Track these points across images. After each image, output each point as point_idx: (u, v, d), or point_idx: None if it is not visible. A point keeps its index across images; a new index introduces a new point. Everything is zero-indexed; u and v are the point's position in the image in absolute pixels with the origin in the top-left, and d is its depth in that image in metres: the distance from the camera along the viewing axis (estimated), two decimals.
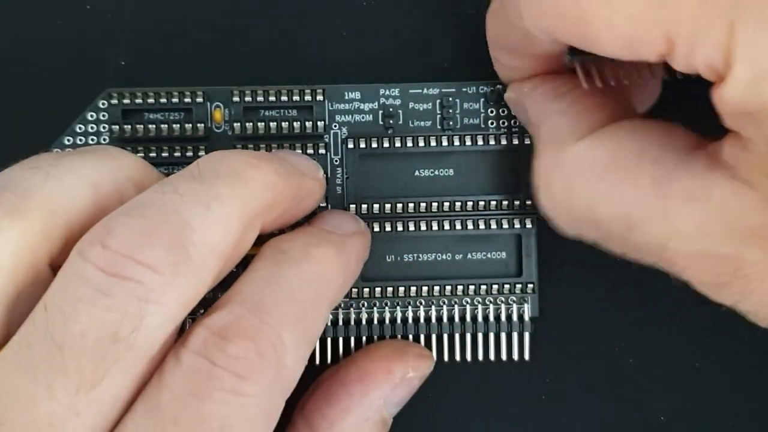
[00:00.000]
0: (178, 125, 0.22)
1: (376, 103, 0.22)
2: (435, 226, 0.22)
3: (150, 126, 0.22)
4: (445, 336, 0.22)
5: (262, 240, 0.19)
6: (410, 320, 0.22)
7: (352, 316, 0.22)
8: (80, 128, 0.22)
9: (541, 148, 0.19)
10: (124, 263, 0.15)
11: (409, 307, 0.22)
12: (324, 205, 0.22)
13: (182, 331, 0.17)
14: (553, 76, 0.19)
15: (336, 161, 0.22)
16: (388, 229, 0.22)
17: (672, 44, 0.15)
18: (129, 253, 0.15)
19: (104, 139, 0.22)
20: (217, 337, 0.16)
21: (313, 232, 0.20)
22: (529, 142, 0.22)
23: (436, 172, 0.22)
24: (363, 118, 0.22)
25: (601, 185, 0.17)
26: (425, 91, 0.22)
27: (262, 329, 0.16)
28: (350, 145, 0.22)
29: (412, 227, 0.22)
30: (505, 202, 0.22)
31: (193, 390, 0.15)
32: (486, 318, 0.22)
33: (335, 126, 0.22)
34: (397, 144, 0.22)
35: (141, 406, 0.16)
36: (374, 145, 0.22)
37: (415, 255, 0.22)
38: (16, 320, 0.16)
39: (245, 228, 0.17)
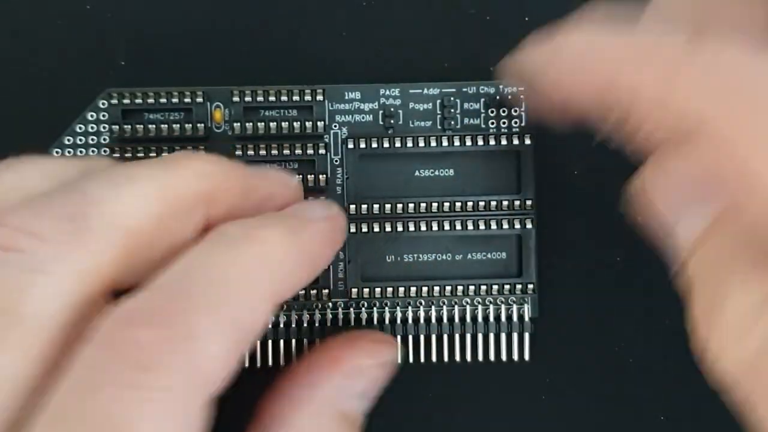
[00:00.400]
0: (178, 125, 0.22)
1: (376, 103, 0.22)
2: (435, 227, 0.22)
3: (150, 126, 0.22)
4: (445, 336, 0.22)
5: None
6: (410, 320, 0.22)
7: (352, 316, 0.22)
8: (80, 128, 0.22)
9: (727, 288, 0.13)
10: (15, 235, 0.14)
11: (409, 307, 0.22)
12: None
13: None
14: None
15: (336, 161, 0.22)
16: (388, 229, 0.22)
17: None
18: (22, 226, 0.14)
19: (104, 139, 0.22)
20: (121, 324, 0.14)
21: (267, 215, 0.18)
22: (529, 142, 0.22)
23: (436, 173, 0.22)
24: (363, 118, 0.22)
25: None
26: (425, 91, 0.22)
27: (175, 314, 0.14)
28: (350, 145, 0.22)
29: (412, 227, 0.22)
30: (505, 203, 0.22)
31: (87, 384, 0.14)
32: (486, 318, 0.22)
33: (335, 126, 0.22)
34: (397, 144, 0.22)
35: (39, 400, 0.14)
36: (374, 145, 0.22)
37: (415, 255, 0.22)
38: None
39: (168, 211, 0.16)
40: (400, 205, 0.22)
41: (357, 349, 0.19)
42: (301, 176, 0.22)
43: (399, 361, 0.21)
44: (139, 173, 0.16)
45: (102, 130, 0.22)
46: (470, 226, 0.22)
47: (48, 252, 0.14)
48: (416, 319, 0.22)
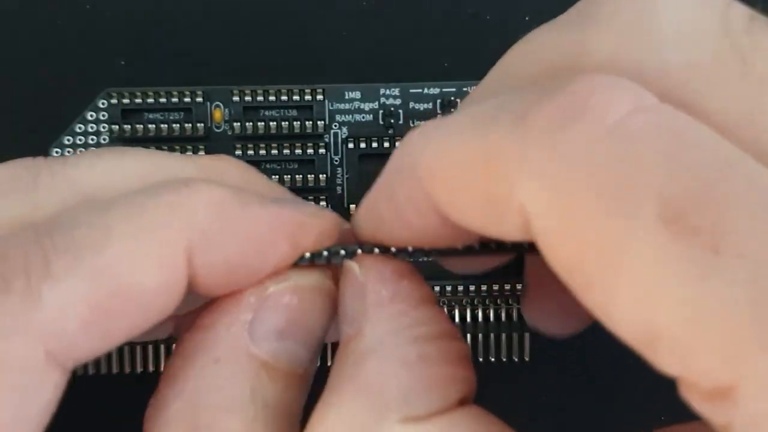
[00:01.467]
0: (178, 125, 0.22)
1: (377, 103, 0.22)
2: None
3: (150, 126, 0.22)
4: None
5: None
6: None
7: None
8: (80, 128, 0.22)
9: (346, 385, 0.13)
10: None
11: None
12: (324, 205, 0.22)
13: None
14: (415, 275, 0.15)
15: (336, 161, 0.22)
16: None
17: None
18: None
19: (104, 139, 0.22)
20: None
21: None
22: None
23: None
24: (363, 117, 0.22)
25: None
26: (425, 91, 0.22)
27: (21, 246, 0.12)
28: (350, 145, 0.22)
29: None
30: None
31: None
32: (486, 318, 0.22)
33: (335, 126, 0.22)
34: (398, 144, 0.22)
35: None
36: (374, 145, 0.22)
37: None
38: None
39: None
40: None
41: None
42: (301, 176, 0.22)
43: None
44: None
45: (102, 129, 0.22)
46: None
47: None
48: None
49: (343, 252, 0.15)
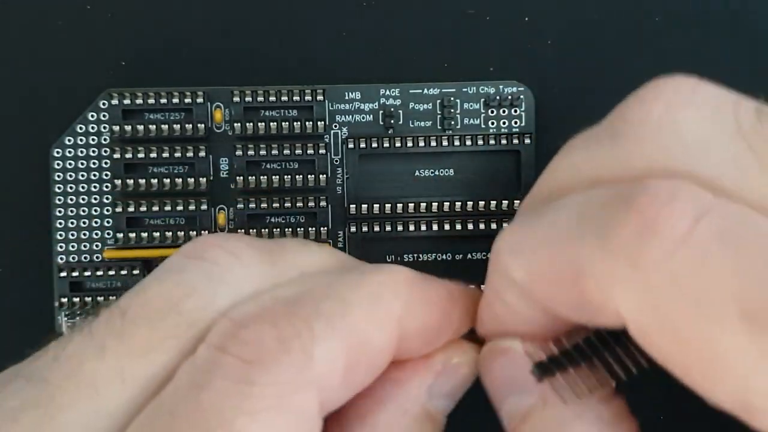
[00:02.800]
0: (179, 125, 0.22)
1: (377, 103, 0.22)
2: (435, 227, 0.22)
3: (150, 126, 0.22)
4: None
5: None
6: None
7: None
8: (80, 128, 0.22)
9: None
10: (203, 245, 0.16)
11: None
12: (324, 205, 0.22)
13: None
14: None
15: (336, 161, 0.22)
16: (388, 229, 0.22)
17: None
18: (212, 240, 0.16)
19: (105, 139, 0.22)
20: (236, 325, 0.14)
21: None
22: (529, 142, 0.22)
23: (437, 173, 0.22)
24: (363, 118, 0.22)
25: None
26: (425, 91, 0.22)
27: (287, 316, 0.14)
28: (350, 145, 0.22)
29: (412, 227, 0.22)
30: (505, 202, 0.22)
31: (195, 379, 0.14)
32: None
33: (335, 126, 0.22)
34: (398, 144, 0.22)
35: (152, 401, 0.14)
36: (374, 145, 0.22)
37: (415, 255, 0.22)
38: None
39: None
40: (400, 205, 0.22)
41: (446, 348, 0.18)
42: (301, 176, 0.22)
43: None
44: (350, 311, 0.15)
45: (102, 130, 0.22)
46: (470, 226, 0.22)
47: (230, 266, 0.15)
48: None
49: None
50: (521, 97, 0.22)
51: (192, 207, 0.22)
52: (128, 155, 0.22)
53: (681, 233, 0.12)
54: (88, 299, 0.22)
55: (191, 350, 0.14)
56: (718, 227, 0.12)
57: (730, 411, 0.12)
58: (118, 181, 0.22)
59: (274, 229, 0.22)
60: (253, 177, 0.22)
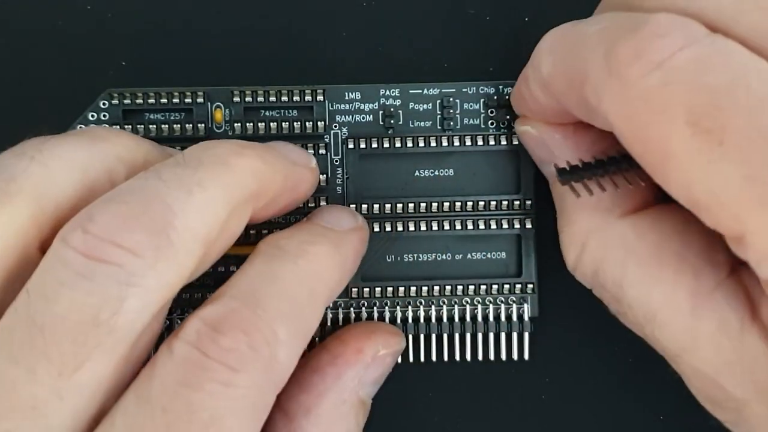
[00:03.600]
0: (179, 125, 0.22)
1: (377, 103, 0.22)
2: (435, 226, 0.22)
3: (151, 126, 0.22)
4: (445, 336, 0.22)
5: (258, 236, 0.20)
6: (410, 320, 0.22)
7: (352, 316, 0.22)
8: (81, 128, 0.22)
9: (577, 209, 0.20)
10: (105, 247, 0.15)
11: (409, 307, 0.22)
12: (324, 205, 0.22)
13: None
14: (590, 129, 0.19)
15: (336, 161, 0.22)
16: (388, 229, 0.22)
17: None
18: (110, 238, 0.15)
19: None
20: (210, 329, 0.16)
21: (310, 229, 0.19)
22: None
23: (437, 173, 0.22)
24: (363, 118, 0.22)
25: (637, 271, 0.18)
26: (425, 91, 0.22)
27: (255, 322, 0.16)
28: (350, 146, 0.22)
29: (412, 227, 0.22)
30: (504, 203, 0.22)
31: (184, 380, 0.15)
32: (486, 318, 0.22)
33: (335, 126, 0.22)
34: (398, 144, 0.22)
35: (132, 393, 0.16)
36: (374, 145, 0.22)
37: (415, 255, 0.22)
38: (5, 306, 0.16)
39: (230, 214, 0.17)
40: (400, 205, 0.22)
41: (375, 340, 0.21)
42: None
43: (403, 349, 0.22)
44: (207, 179, 0.17)
45: None
46: (470, 226, 0.22)
47: (138, 266, 0.15)
48: (416, 319, 0.22)
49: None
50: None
51: None
52: None
53: (660, 59, 0.15)
54: None
55: (127, 349, 0.16)
56: (694, 55, 0.15)
57: (686, 206, 0.16)
58: None
59: (274, 229, 0.22)
60: None
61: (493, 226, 0.22)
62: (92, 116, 0.22)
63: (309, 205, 0.22)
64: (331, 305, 0.22)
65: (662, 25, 0.16)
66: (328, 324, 0.22)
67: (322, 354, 0.20)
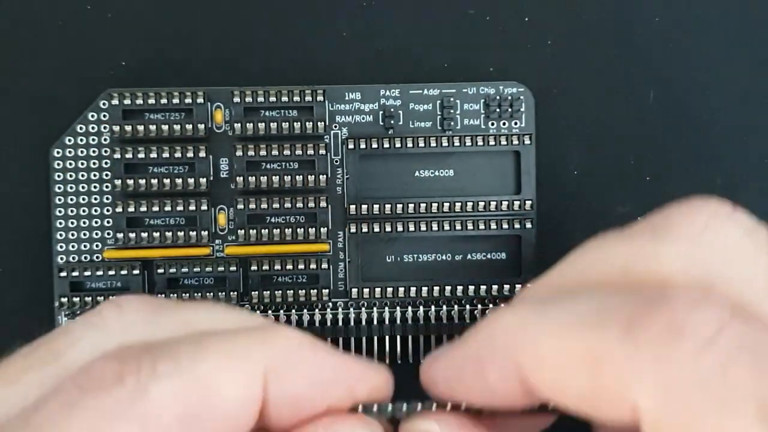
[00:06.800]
0: (179, 125, 0.22)
1: (377, 104, 0.22)
2: (435, 227, 0.22)
3: (151, 126, 0.22)
4: (445, 336, 0.22)
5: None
6: (410, 320, 0.22)
7: (352, 316, 0.22)
8: (81, 128, 0.22)
9: None
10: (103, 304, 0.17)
11: (409, 307, 0.22)
12: (324, 205, 0.22)
13: None
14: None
15: (336, 161, 0.22)
16: (388, 229, 0.22)
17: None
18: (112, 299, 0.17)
19: (105, 140, 0.22)
20: (91, 362, 0.15)
21: None
22: (529, 142, 0.22)
23: (437, 173, 0.22)
24: (363, 118, 0.22)
25: None
26: (425, 91, 0.22)
27: (140, 354, 0.15)
28: (350, 146, 0.22)
29: (412, 228, 0.22)
30: (505, 203, 0.22)
31: (35, 403, 0.15)
32: None
33: (335, 126, 0.22)
34: (398, 144, 0.22)
35: None
36: (374, 145, 0.22)
37: (415, 255, 0.22)
38: None
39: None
40: (400, 205, 0.22)
41: (330, 422, 0.16)
42: (301, 176, 0.22)
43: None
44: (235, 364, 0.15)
45: (103, 130, 0.22)
46: (470, 226, 0.22)
47: None
48: (416, 319, 0.22)
49: (418, 406, 0.16)
50: (521, 97, 0.22)
51: (192, 207, 0.22)
52: (128, 155, 0.22)
53: (708, 336, 0.13)
54: (88, 299, 0.22)
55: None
56: (739, 335, 0.13)
57: None
58: (118, 181, 0.22)
59: (274, 230, 0.22)
60: (253, 177, 0.22)
61: (493, 226, 0.22)
62: (92, 116, 0.22)
63: (309, 205, 0.22)
64: (331, 305, 0.22)
65: (693, 295, 0.14)
66: (328, 324, 0.22)
67: None
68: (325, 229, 0.22)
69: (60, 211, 0.22)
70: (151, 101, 0.22)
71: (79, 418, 0.14)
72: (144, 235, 0.22)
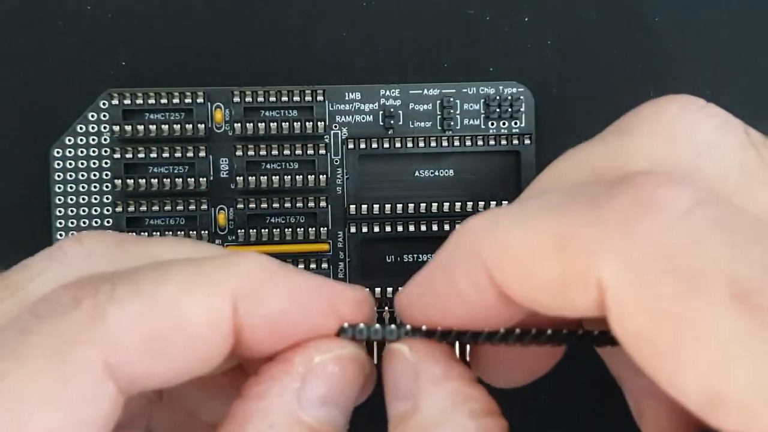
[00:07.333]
0: (179, 125, 0.22)
1: (377, 104, 0.22)
2: (435, 227, 0.22)
3: (151, 126, 0.22)
4: None
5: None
6: None
7: None
8: (81, 128, 0.22)
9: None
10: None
11: None
12: (324, 205, 0.22)
13: None
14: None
15: (336, 161, 0.22)
16: (388, 229, 0.22)
17: None
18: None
19: (105, 139, 0.22)
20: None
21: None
22: (529, 142, 0.22)
23: (436, 173, 0.22)
24: (363, 118, 0.22)
25: None
26: (425, 91, 0.22)
27: (97, 280, 0.14)
28: (350, 146, 0.22)
29: (412, 227, 0.22)
30: (505, 203, 0.22)
31: None
32: None
33: (335, 126, 0.22)
34: (398, 144, 0.22)
35: None
36: (374, 145, 0.22)
37: (415, 255, 0.22)
38: None
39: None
40: (400, 206, 0.22)
41: (306, 346, 0.15)
42: (301, 176, 0.22)
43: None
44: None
45: (103, 130, 0.22)
46: None
47: None
48: None
49: (393, 328, 0.16)
50: (521, 97, 0.22)
51: (192, 207, 0.22)
52: (128, 155, 0.22)
53: (681, 209, 0.12)
54: None
55: None
56: (714, 213, 0.12)
57: (691, 406, 0.12)
58: (118, 181, 0.22)
59: (274, 230, 0.22)
60: (253, 177, 0.22)
61: None
62: (92, 116, 0.22)
63: (309, 205, 0.22)
64: None
65: (661, 178, 0.13)
66: None
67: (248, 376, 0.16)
68: (325, 229, 0.22)
69: (60, 211, 0.22)
70: (151, 101, 0.22)
71: (35, 344, 0.14)
72: (144, 235, 0.22)
